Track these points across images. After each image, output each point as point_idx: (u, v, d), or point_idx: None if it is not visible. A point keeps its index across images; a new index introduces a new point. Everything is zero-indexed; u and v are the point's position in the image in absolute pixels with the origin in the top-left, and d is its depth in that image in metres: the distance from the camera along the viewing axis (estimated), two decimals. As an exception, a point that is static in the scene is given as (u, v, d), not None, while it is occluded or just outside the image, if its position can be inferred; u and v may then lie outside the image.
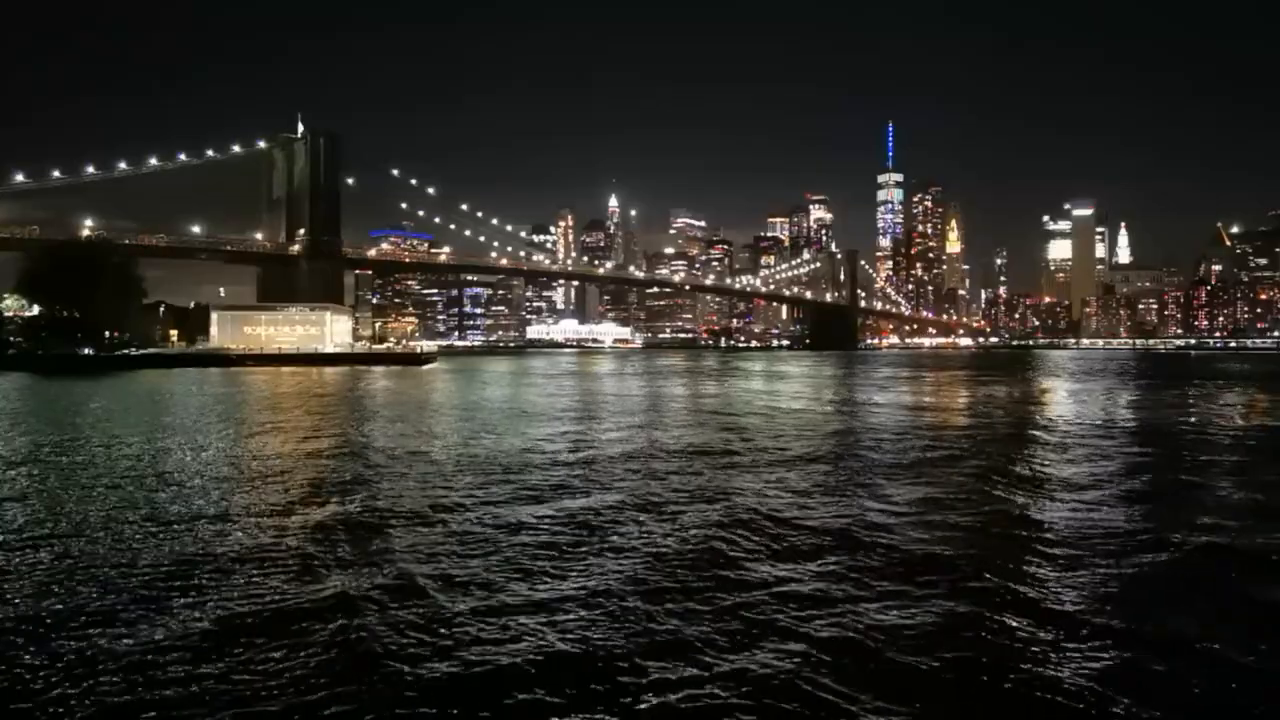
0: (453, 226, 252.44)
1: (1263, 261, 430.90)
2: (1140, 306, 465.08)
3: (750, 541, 16.24)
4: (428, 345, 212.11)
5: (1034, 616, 11.96)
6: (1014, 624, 11.66)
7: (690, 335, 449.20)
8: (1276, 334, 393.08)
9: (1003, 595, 12.88)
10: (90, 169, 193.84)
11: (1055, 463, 27.01)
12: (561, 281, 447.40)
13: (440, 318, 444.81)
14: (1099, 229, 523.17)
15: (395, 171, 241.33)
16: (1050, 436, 34.92)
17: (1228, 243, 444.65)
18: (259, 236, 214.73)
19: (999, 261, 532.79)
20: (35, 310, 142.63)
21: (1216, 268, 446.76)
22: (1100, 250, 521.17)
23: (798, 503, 20.16)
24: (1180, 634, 11.33)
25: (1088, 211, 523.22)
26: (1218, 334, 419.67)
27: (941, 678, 9.91)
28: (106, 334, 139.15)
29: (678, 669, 10.14)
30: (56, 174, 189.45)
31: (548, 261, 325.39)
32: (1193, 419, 43.24)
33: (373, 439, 33.79)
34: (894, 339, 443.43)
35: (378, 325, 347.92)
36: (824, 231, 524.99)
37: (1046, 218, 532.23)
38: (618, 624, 11.65)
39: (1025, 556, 15.20)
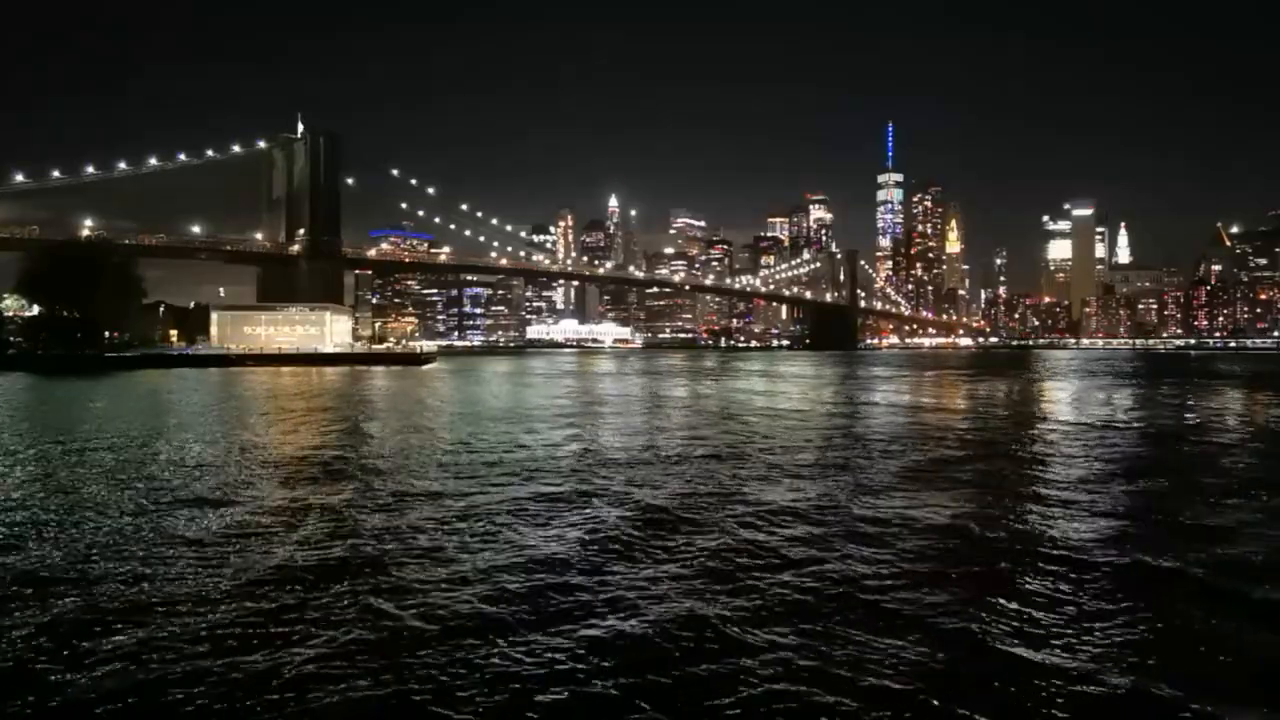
0: (453, 226, 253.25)
1: (1263, 261, 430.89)
2: (1140, 306, 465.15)
3: (747, 541, 16.27)
4: (427, 345, 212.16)
5: (1025, 623, 11.99)
6: (1004, 631, 11.68)
7: (690, 335, 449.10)
8: (1276, 334, 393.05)
9: (996, 602, 12.90)
10: (90, 169, 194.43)
11: (1054, 465, 27.01)
12: (561, 281, 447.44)
13: (440, 318, 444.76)
14: (1099, 229, 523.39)
15: (395, 171, 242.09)
16: (1049, 438, 34.92)
17: (1228, 243, 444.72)
18: (259, 236, 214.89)
19: (999, 261, 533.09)
20: (35, 310, 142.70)
21: (1216, 268, 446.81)
22: (1100, 250, 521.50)
23: (796, 505, 20.16)
24: (1175, 643, 11.34)
25: (1088, 211, 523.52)
26: (1218, 334, 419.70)
27: (936, 683, 9.94)
28: (106, 334, 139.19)
29: (673, 666, 10.19)
30: (56, 174, 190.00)
31: (548, 261, 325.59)
32: (1193, 419, 43.26)
33: (372, 439, 33.81)
34: (894, 339, 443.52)
35: (378, 325, 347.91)
36: (824, 231, 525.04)
37: (1046, 218, 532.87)
38: (612, 624, 11.67)
39: (1019, 561, 15.23)
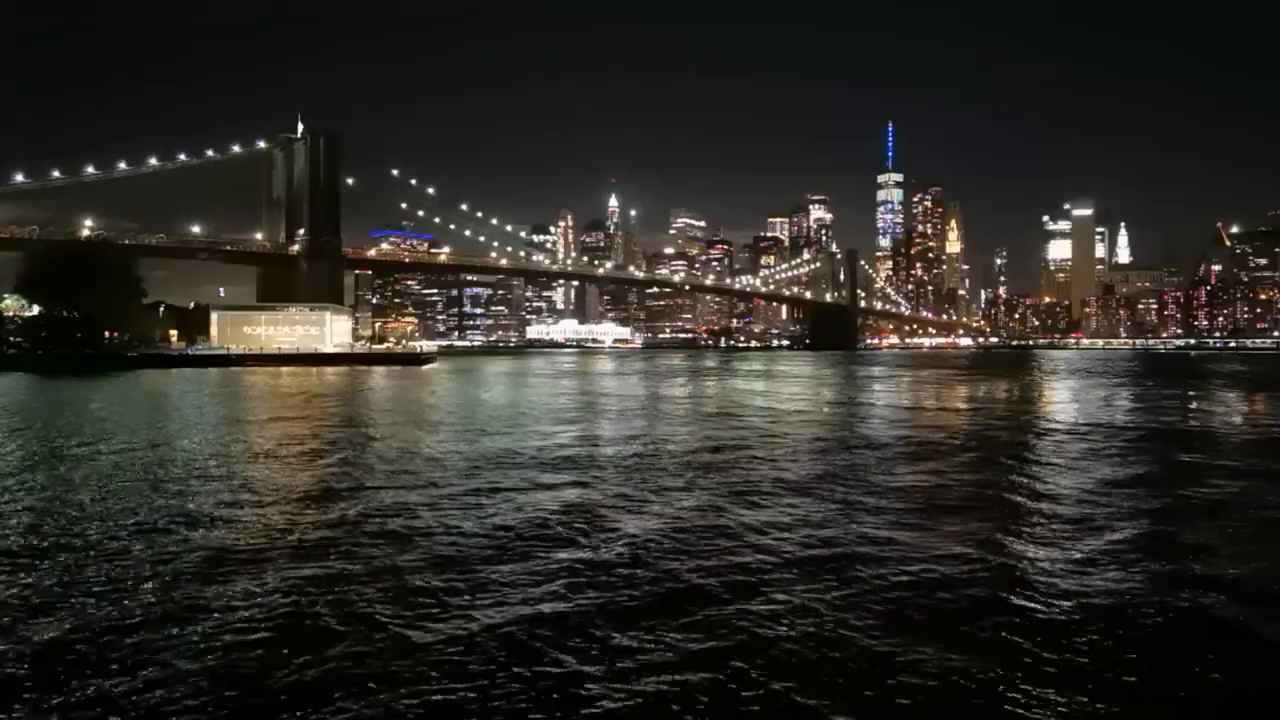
0: (453, 226, 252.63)
1: (1263, 261, 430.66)
2: (1140, 306, 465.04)
3: (743, 540, 16.32)
4: (428, 345, 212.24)
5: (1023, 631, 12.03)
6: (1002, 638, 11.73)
7: (690, 335, 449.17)
8: (1276, 334, 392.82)
9: (994, 614, 12.95)
10: (90, 169, 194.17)
11: (1053, 466, 27.06)
12: (561, 281, 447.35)
13: (440, 318, 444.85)
14: (1099, 229, 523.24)
15: (395, 171, 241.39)
16: (1049, 439, 34.96)
17: (1228, 243, 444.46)
18: (259, 236, 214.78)
19: (999, 261, 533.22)
20: (35, 310, 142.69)
21: (1216, 268, 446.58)
22: (1100, 250, 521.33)
23: (794, 511, 20.22)
24: (1175, 650, 11.38)
25: (1088, 211, 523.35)
26: (1217, 334, 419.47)
27: (934, 683, 9.97)
28: (106, 334, 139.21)
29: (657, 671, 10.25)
30: (56, 174, 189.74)
31: (547, 261, 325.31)
32: (1194, 420, 43.31)
33: (372, 439, 33.87)
34: (894, 339, 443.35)
35: (378, 325, 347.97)
36: (824, 231, 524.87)
37: (1046, 218, 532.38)
38: (604, 627, 11.73)
39: (1017, 574, 15.27)
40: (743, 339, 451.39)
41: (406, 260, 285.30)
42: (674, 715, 9.07)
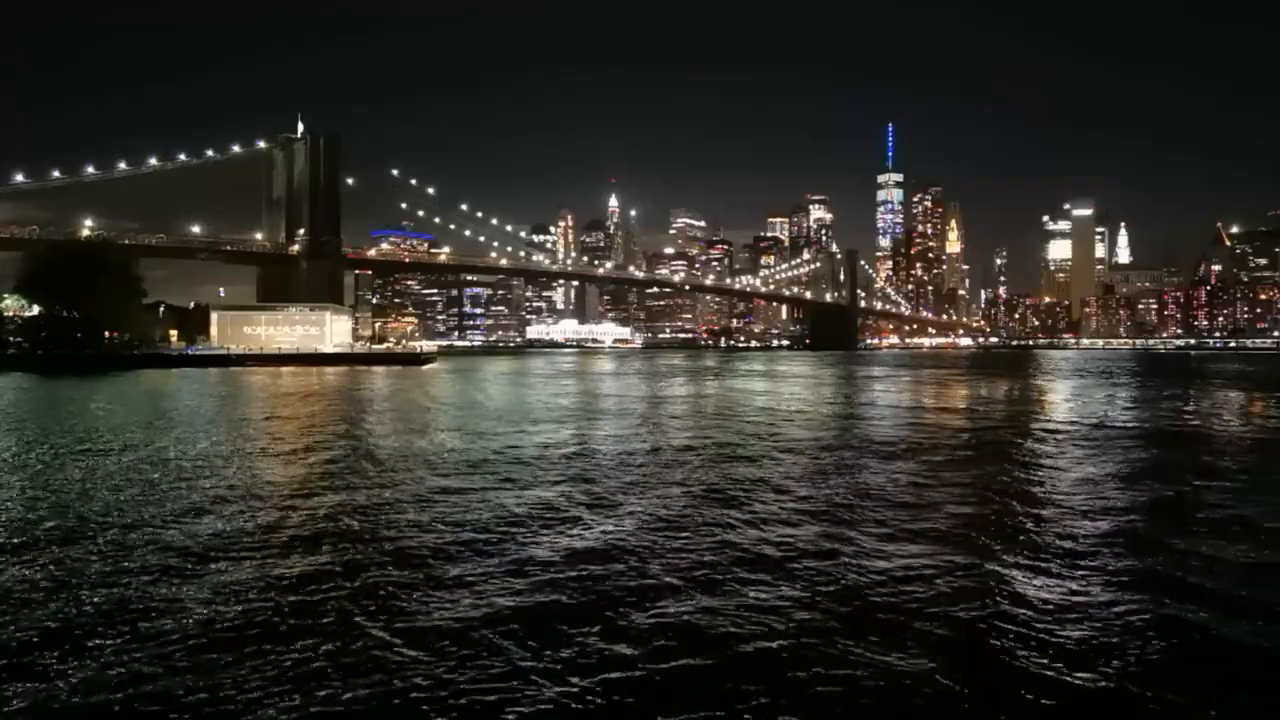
0: (453, 226, 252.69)
1: (1263, 261, 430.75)
2: (1140, 306, 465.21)
3: (731, 540, 16.33)
4: (427, 345, 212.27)
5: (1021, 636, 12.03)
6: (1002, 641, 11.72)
7: (690, 335, 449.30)
8: (1276, 334, 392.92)
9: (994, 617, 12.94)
10: (90, 169, 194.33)
11: (1051, 467, 27.06)
12: (561, 281, 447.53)
13: (440, 318, 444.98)
14: (1099, 229, 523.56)
15: (395, 171, 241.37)
16: (1048, 440, 34.93)
17: (1228, 243, 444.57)
18: (259, 236, 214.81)
19: (999, 261, 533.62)
20: (35, 310, 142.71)
21: (1216, 268, 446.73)
22: (1100, 250, 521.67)
23: (785, 511, 20.21)
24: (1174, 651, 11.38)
25: (1087, 211, 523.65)
26: (1217, 334, 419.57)
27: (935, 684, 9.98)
28: (106, 334, 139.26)
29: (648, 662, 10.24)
30: (56, 174, 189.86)
31: (547, 261, 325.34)
32: (1193, 421, 43.30)
33: (368, 439, 33.85)
34: (894, 339, 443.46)
35: (378, 325, 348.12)
36: (824, 231, 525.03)
37: (1046, 218, 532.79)
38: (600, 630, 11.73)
39: (1017, 577, 15.26)
40: (743, 339, 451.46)
41: (406, 260, 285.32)
42: (647, 710, 9.10)
